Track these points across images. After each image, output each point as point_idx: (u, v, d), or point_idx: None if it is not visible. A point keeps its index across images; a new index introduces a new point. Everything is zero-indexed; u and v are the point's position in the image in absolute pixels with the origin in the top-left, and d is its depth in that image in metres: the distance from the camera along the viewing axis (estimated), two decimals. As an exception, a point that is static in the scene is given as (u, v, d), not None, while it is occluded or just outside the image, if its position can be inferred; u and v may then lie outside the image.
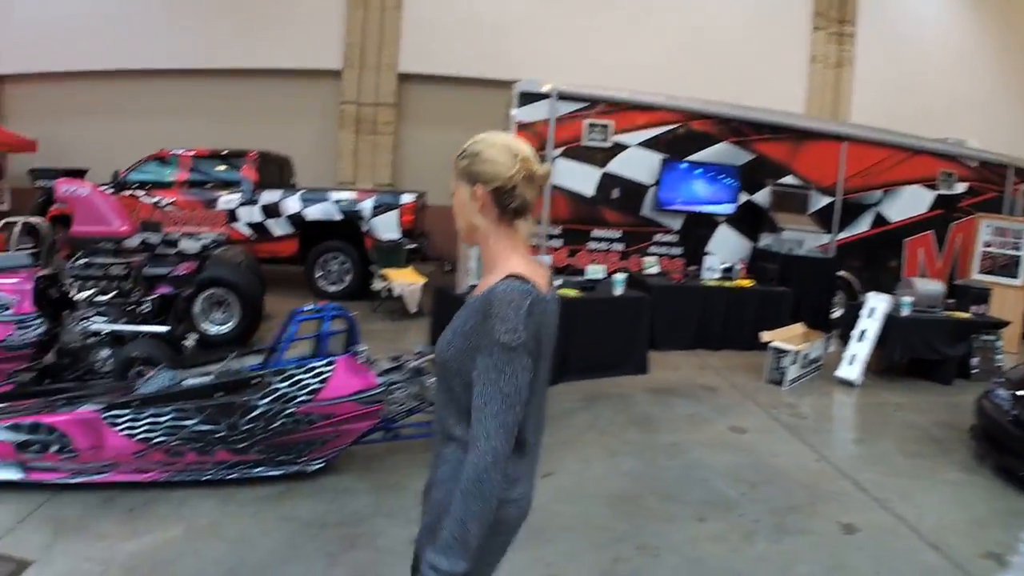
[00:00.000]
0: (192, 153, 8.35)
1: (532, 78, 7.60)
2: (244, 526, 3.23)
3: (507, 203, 1.43)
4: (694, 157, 7.91)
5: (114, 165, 8.52)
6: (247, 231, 8.09)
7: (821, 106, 10.61)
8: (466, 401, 1.38)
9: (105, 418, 3.34)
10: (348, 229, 8.07)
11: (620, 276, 5.85)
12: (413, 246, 8.10)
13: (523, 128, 7.49)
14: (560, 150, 7.61)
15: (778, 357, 5.98)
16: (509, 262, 1.42)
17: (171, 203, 8.16)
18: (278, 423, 3.45)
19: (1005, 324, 6.88)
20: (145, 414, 3.36)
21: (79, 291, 5.05)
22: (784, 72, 10.68)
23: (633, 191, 7.90)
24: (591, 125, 7.66)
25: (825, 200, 8.30)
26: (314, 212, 8.01)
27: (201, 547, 3.04)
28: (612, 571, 3.02)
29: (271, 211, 8.05)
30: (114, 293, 5.23)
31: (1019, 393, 4.63)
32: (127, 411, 3.37)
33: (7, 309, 4.21)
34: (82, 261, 5.58)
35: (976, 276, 8.19)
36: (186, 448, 3.40)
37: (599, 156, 7.74)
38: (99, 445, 3.31)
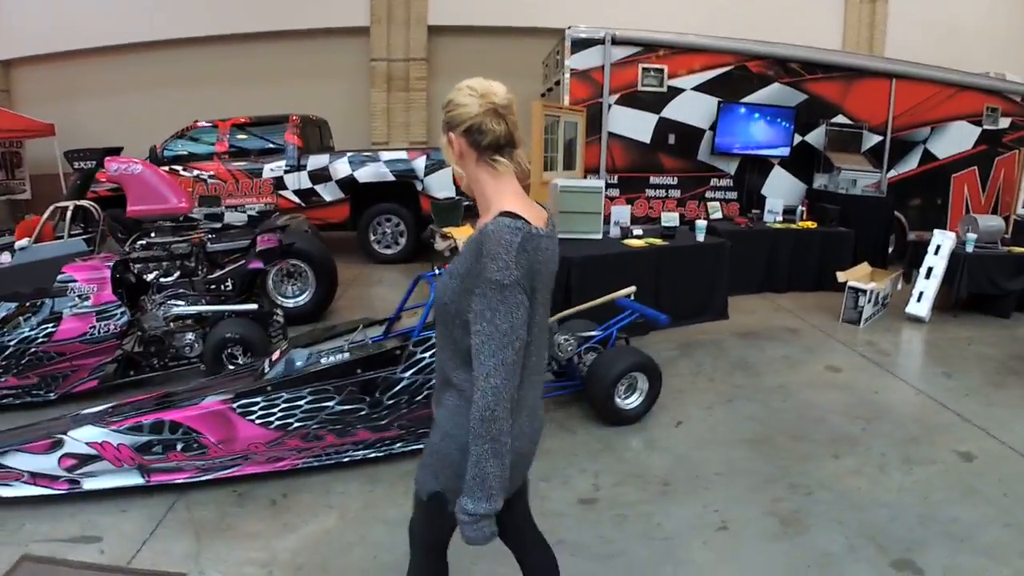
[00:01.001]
0: (230, 122, 8.07)
1: (583, 24, 7.45)
2: (401, 505, 2.94)
3: (479, 141, 1.45)
4: (748, 99, 7.88)
5: (136, 143, 8.23)
6: (296, 199, 7.92)
7: (857, 42, 10.48)
8: (465, 345, 1.41)
9: (236, 408, 3.08)
10: (401, 190, 7.95)
11: (701, 223, 5.89)
12: (469, 203, 8.06)
13: (577, 75, 7.41)
14: (615, 97, 7.54)
15: (855, 296, 6.11)
16: (500, 201, 1.45)
17: (212, 175, 7.92)
18: (423, 395, 3.26)
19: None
20: (280, 399, 3.12)
21: (142, 274, 4.84)
22: (820, 8, 10.50)
23: (689, 136, 7.89)
24: (645, 70, 7.58)
25: (876, 138, 8.32)
26: (365, 174, 7.85)
27: (365, 533, 2.83)
28: (776, 511, 3.09)
29: (319, 176, 7.86)
30: (177, 274, 5.06)
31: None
32: (259, 398, 3.11)
33: (86, 299, 3.93)
34: (141, 242, 5.39)
35: (1020, 211, 8.30)
36: (325, 431, 3.19)
37: (655, 101, 7.67)
38: (231, 438, 3.07)
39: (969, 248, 6.48)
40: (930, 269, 6.46)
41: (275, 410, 3.11)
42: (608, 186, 7.74)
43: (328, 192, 7.88)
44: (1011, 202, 8.60)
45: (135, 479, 3.01)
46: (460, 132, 1.46)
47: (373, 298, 6.41)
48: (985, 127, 8.69)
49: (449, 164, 1.56)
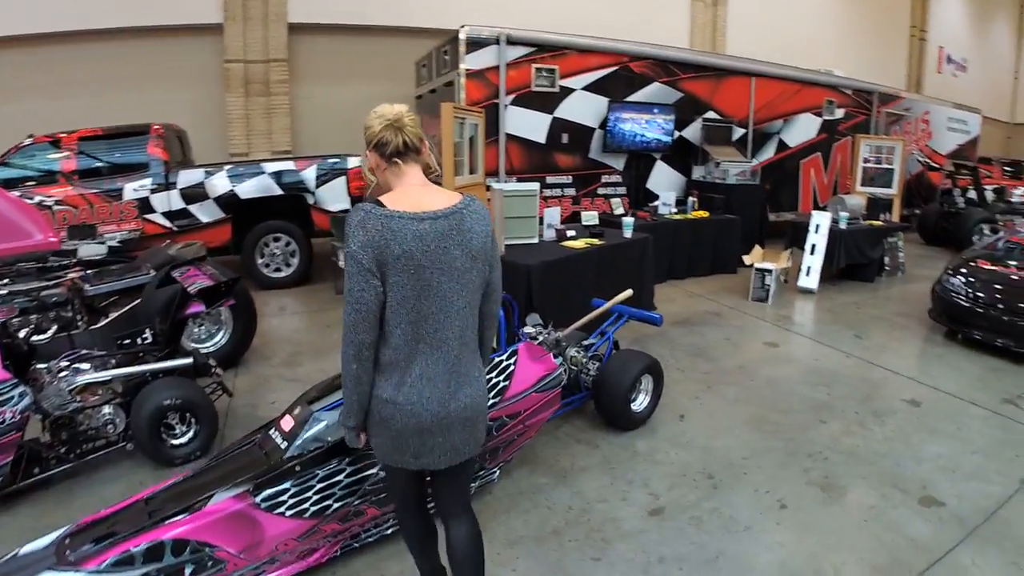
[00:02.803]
0: (77, 135, 6.62)
1: (467, 24, 7.24)
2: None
3: (384, 151, 1.78)
4: (632, 98, 8.19)
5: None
6: (166, 222, 6.76)
7: (703, 42, 11.41)
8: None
9: (260, 502, 2.37)
10: (289, 205, 7.18)
11: (629, 220, 6.01)
12: (366, 212, 7.53)
13: (473, 76, 7.22)
14: (511, 97, 7.46)
15: (762, 277, 6.58)
16: (388, 196, 1.77)
17: (59, 201, 6.40)
18: None
19: (907, 227, 8.14)
20: (314, 479, 2.45)
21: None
22: (671, 11, 11.27)
23: (581, 134, 8.02)
24: (538, 70, 7.58)
25: (740, 131, 9.08)
26: (248, 189, 6.96)
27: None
28: (813, 481, 3.26)
29: (193, 195, 6.78)
30: (54, 329, 3.72)
31: (971, 280, 5.65)
32: (288, 483, 2.42)
33: None
34: (-1, 292, 4.17)
35: (859, 188, 9.52)
36: (367, 504, 2.55)
37: (548, 101, 7.71)
38: (256, 542, 2.36)
39: (843, 225, 7.28)
40: (814, 246, 7.15)
41: (310, 494, 2.44)
42: (509, 188, 7.65)
43: (205, 212, 6.87)
44: (847, 183, 9.83)
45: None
46: (371, 147, 1.80)
47: (288, 331, 5.69)
48: (825, 118, 9.87)
49: (369, 179, 1.90)
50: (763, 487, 3.18)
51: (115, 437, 3.32)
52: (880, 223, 7.85)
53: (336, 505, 2.47)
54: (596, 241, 5.61)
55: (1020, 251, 6.01)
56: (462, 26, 7.17)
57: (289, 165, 7.14)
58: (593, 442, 3.60)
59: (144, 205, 6.70)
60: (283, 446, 2.51)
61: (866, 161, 9.48)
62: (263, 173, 7.01)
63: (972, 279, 5.64)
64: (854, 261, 7.42)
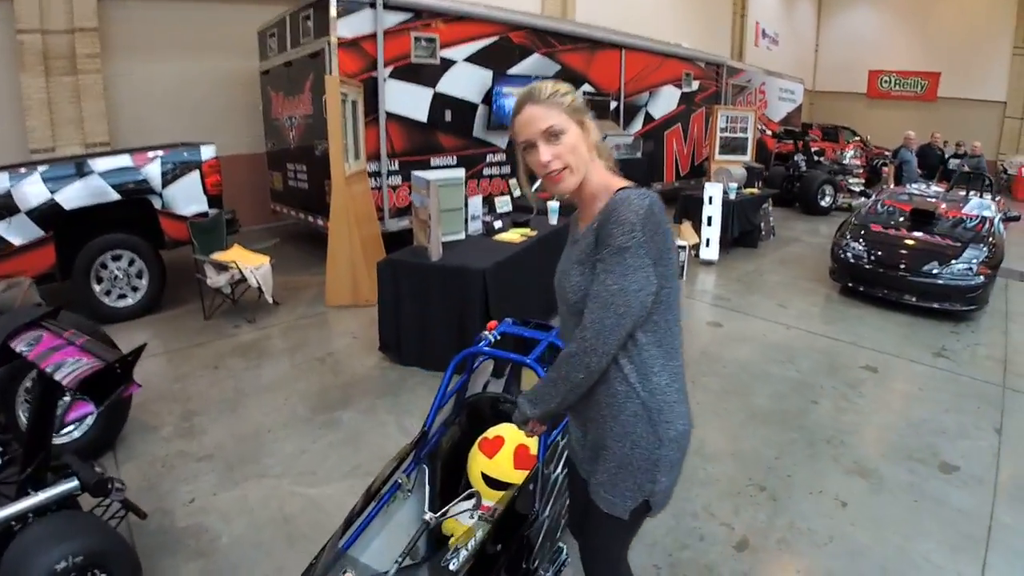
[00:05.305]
0: None
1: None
2: None
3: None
4: (514, 70, 7.67)
5: None
6: None
7: (553, 10, 11.09)
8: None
9: None
10: (130, 212, 5.59)
11: (554, 204, 5.49)
12: (230, 215, 6.14)
13: (347, 46, 6.21)
14: (389, 70, 6.56)
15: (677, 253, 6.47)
16: (612, 182, 1.40)
17: None
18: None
19: (776, 193, 8.58)
20: None
21: None
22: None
23: (464, 111, 7.34)
24: (417, 39, 6.74)
25: (613, 104, 8.96)
26: (73, 197, 5.17)
27: None
28: (848, 469, 3.23)
29: None
30: None
31: (870, 242, 6.03)
32: None
33: None
34: None
35: (717, 157, 9.93)
36: None
37: (429, 74, 6.92)
38: None
39: (732, 195, 7.44)
40: (710, 218, 7.23)
41: None
42: (389, 174, 6.82)
43: (16, 232, 5.03)
44: (703, 151, 10.24)
45: None
46: (591, 117, 1.42)
47: (163, 381, 4.07)
48: (683, 90, 10.12)
49: (570, 159, 1.38)
50: (814, 487, 3.05)
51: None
52: (757, 191, 8.18)
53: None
54: (529, 231, 5.05)
55: (900, 214, 6.52)
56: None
57: (124, 161, 5.54)
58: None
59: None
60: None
61: (723, 131, 9.91)
62: (91, 173, 5.37)
63: (870, 243, 6.03)
64: (744, 229, 7.65)
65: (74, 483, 2.10)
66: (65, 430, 3.12)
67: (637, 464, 1.40)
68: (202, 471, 3.02)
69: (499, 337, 2.33)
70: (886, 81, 19.21)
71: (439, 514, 1.96)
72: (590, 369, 1.31)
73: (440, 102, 7.08)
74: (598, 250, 1.31)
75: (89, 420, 3.20)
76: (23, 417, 2.91)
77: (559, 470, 2.13)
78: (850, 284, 6.04)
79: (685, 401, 1.46)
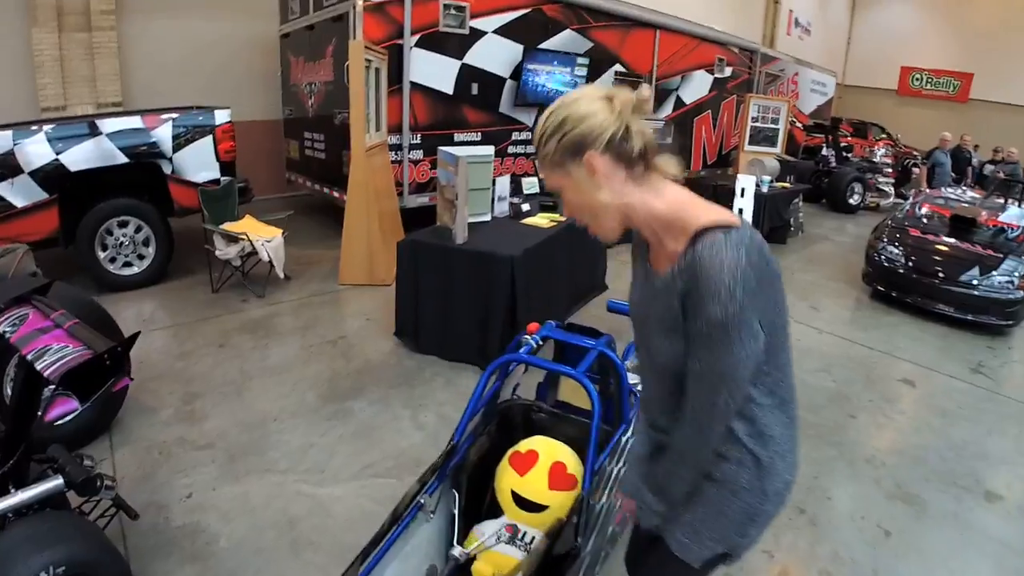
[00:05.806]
0: None
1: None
2: None
3: (629, 150, 1.10)
4: (544, 45, 7.32)
5: None
6: None
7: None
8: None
9: None
10: (139, 177, 5.32)
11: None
12: (243, 184, 5.87)
13: (372, 10, 5.89)
14: (415, 38, 6.25)
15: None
16: (688, 213, 1.10)
17: None
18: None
19: (807, 188, 8.24)
20: None
21: None
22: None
23: (491, 85, 7.02)
24: (446, 7, 6.40)
25: (645, 87, 8.60)
26: (80, 158, 4.90)
27: None
28: (889, 494, 3.04)
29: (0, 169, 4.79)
30: None
31: (907, 246, 5.76)
32: None
33: None
34: None
35: (747, 148, 9.57)
36: None
37: (457, 45, 6.59)
38: None
39: (765, 188, 7.12)
40: (741, 210, 6.91)
41: None
42: (411, 147, 6.55)
43: (19, 193, 4.79)
44: (732, 140, 9.87)
45: None
46: (601, 148, 1.09)
47: (166, 358, 3.86)
48: (716, 76, 9.73)
49: (578, 207, 1.18)
50: (856, 513, 2.85)
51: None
52: (789, 185, 7.86)
53: None
54: (558, 216, 4.78)
55: (939, 219, 6.22)
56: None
57: (135, 122, 5.26)
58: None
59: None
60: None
61: (754, 120, 9.53)
62: (99, 135, 5.09)
63: (906, 247, 5.75)
64: (774, 225, 7.35)
65: (59, 481, 1.86)
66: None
67: (732, 515, 1.22)
68: (202, 461, 2.80)
69: (541, 343, 2.08)
70: (917, 79, 18.63)
71: (468, 550, 1.73)
72: (711, 447, 1.18)
73: (467, 74, 6.76)
74: (688, 321, 1.08)
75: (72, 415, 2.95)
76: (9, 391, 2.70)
77: (604, 499, 1.90)
78: (882, 288, 5.77)
79: (796, 449, 1.26)
